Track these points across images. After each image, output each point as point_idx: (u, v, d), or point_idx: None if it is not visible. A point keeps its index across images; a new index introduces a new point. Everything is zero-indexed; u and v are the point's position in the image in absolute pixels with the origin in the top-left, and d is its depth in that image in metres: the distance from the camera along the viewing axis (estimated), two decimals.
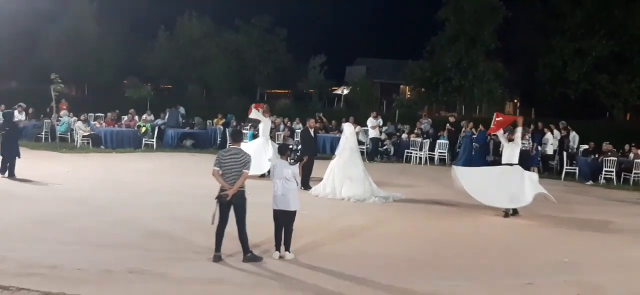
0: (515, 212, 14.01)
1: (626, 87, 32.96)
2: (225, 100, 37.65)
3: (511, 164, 14.12)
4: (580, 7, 34.08)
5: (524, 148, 21.20)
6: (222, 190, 9.09)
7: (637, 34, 32.60)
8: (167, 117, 27.27)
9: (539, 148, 22.47)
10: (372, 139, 25.09)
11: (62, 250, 9.29)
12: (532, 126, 23.87)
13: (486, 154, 23.42)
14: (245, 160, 9.15)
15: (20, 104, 24.60)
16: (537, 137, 22.81)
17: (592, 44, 33.33)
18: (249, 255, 9.19)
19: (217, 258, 9.14)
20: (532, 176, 14.45)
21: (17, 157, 16.21)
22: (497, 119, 14.83)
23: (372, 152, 24.90)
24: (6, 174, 16.02)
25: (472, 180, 14.23)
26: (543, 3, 36.04)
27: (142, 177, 17.35)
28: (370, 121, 25.21)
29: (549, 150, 23.02)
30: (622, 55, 33.48)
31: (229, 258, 9.27)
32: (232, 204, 9.11)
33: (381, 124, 25.99)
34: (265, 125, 18.50)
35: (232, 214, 9.17)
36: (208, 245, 9.67)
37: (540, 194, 13.85)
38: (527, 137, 21.53)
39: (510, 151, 14.20)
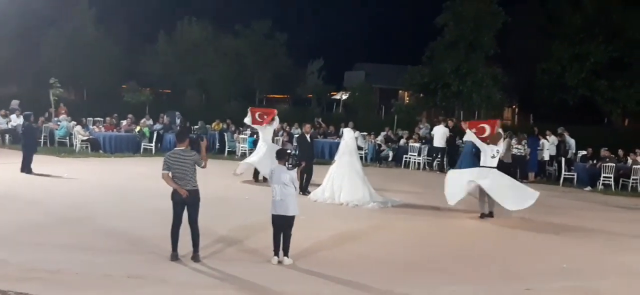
0: (490, 214, 14.10)
1: (624, 93, 32.94)
2: (224, 105, 37.68)
3: (488, 167, 14.17)
4: (579, 12, 34.09)
5: (519, 154, 21.31)
6: (175, 192, 9.15)
7: (636, 39, 32.60)
8: (165, 120, 27.49)
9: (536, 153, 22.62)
10: (441, 149, 24.53)
11: (62, 254, 9.30)
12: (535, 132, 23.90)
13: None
14: (195, 158, 9.27)
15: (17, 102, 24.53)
16: (532, 143, 22.81)
17: (590, 49, 33.31)
18: (198, 255, 9.27)
19: (175, 257, 9.22)
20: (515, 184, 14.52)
21: (33, 153, 18.06)
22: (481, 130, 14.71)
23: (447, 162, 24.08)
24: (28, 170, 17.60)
25: (464, 185, 14.29)
26: (542, 8, 36.05)
27: (141, 181, 17.36)
28: (442, 129, 24.56)
29: (546, 156, 23.06)
30: (620, 60, 33.45)
31: (227, 263, 9.28)
32: (186, 203, 9.18)
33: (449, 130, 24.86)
34: (267, 130, 18.53)
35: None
36: (207, 250, 9.72)
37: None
38: (523, 142, 21.57)
39: (486, 156, 14.25)
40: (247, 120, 19.05)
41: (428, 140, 25.91)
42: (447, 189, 14.34)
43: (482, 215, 14.19)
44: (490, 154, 14.12)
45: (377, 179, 18.33)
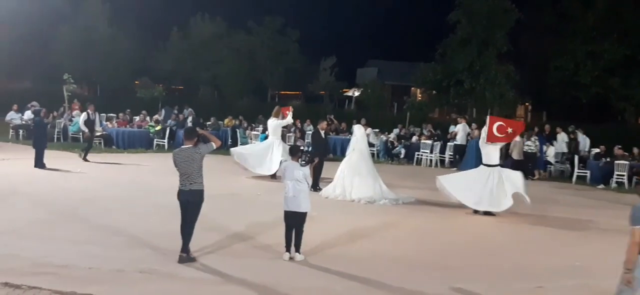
0: (489, 212, 14.07)
1: (638, 91, 32.73)
2: (236, 101, 37.77)
3: (489, 165, 14.15)
4: (592, 9, 33.88)
5: (530, 151, 21.23)
6: (180, 192, 9.02)
7: None
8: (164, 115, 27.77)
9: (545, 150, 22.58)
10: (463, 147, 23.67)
11: (73, 249, 9.34)
12: (536, 129, 23.80)
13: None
14: (204, 154, 9.03)
15: (34, 103, 24.78)
16: (542, 141, 22.73)
17: (604, 47, 33.12)
18: (184, 256, 8.97)
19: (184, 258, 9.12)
20: (511, 176, 14.40)
21: (44, 148, 18.20)
22: (501, 128, 14.54)
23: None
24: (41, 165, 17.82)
25: (456, 183, 14.44)
26: (554, 5, 35.87)
27: (152, 177, 17.44)
28: (466, 128, 24.01)
29: (551, 153, 23.04)
30: (634, 58, 33.23)
31: (238, 259, 9.30)
32: (189, 201, 8.98)
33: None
34: (277, 125, 18.50)
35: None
36: (218, 245, 9.75)
37: (518, 194, 13.88)
38: (532, 139, 21.51)
39: (489, 152, 14.25)
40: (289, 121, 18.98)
41: (440, 137, 25.83)
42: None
43: (476, 211, 14.23)
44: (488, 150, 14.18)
45: (389, 176, 18.28)
